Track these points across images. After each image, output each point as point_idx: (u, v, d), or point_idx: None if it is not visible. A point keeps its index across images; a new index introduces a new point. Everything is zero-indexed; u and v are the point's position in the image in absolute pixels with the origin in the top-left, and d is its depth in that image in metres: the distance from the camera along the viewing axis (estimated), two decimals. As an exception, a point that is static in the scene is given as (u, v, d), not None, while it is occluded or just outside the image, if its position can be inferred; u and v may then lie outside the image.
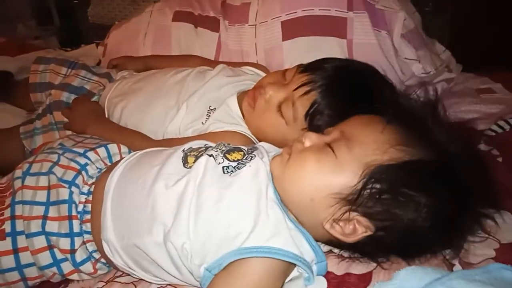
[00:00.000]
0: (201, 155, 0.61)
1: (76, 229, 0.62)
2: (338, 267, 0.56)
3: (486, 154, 0.74)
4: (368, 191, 0.50)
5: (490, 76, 1.03)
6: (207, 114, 0.84)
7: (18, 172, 0.67)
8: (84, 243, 0.63)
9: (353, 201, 0.50)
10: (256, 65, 1.00)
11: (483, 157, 0.57)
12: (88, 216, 0.63)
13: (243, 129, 0.82)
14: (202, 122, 0.83)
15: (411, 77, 0.94)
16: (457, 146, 0.53)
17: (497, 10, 1.15)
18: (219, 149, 0.63)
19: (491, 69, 1.07)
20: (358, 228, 0.52)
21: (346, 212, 0.51)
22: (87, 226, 0.63)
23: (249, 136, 0.81)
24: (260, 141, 0.81)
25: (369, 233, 0.52)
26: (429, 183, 0.50)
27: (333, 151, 0.53)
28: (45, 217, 0.62)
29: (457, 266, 0.53)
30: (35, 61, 1.05)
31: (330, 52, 0.95)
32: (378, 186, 0.50)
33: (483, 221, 0.56)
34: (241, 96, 0.86)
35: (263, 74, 0.97)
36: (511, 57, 1.06)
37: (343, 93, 0.71)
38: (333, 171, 0.52)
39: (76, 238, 0.61)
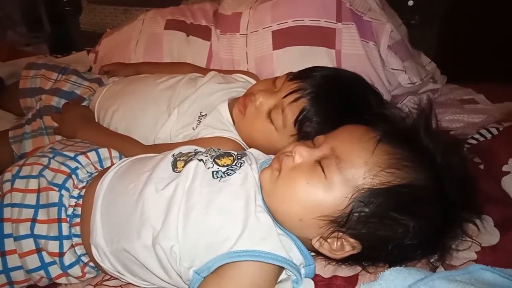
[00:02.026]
0: (191, 159, 0.62)
1: (65, 232, 0.62)
2: (325, 270, 0.58)
3: (468, 162, 0.76)
4: (357, 214, 0.51)
5: (473, 87, 1.06)
6: (198, 120, 0.85)
7: (7, 175, 0.67)
8: (72, 246, 0.63)
9: (342, 224, 0.51)
10: (247, 73, 1.02)
11: (468, 167, 0.58)
12: (78, 220, 0.63)
13: (234, 135, 0.83)
14: (193, 128, 0.84)
15: (397, 87, 0.96)
16: (446, 159, 0.54)
17: (482, 23, 1.19)
18: (209, 154, 0.64)
19: (475, 79, 1.10)
20: (346, 245, 0.53)
21: (334, 231, 0.52)
22: (76, 230, 0.63)
23: (239, 142, 0.82)
24: (250, 147, 0.83)
25: (356, 251, 0.53)
26: (419, 207, 0.52)
27: (323, 171, 0.53)
28: (34, 220, 0.62)
29: (440, 268, 0.54)
30: (26, 67, 1.05)
31: (319, 62, 0.97)
32: (367, 210, 0.51)
33: (466, 227, 0.57)
34: (232, 103, 0.87)
35: (254, 82, 0.98)
36: (495, 68, 1.09)
37: (332, 100, 0.73)
38: (323, 194, 0.53)
39: (65, 241, 0.62)
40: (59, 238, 0.61)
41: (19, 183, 0.65)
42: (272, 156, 0.73)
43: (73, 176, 0.67)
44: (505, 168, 0.69)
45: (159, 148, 0.82)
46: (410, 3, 1.15)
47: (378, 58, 0.94)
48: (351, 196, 0.51)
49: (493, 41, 1.19)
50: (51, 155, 0.69)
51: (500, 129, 0.77)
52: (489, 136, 0.76)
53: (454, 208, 0.54)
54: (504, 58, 1.14)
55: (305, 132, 0.74)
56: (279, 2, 1.03)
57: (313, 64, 0.97)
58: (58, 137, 0.90)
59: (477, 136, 0.78)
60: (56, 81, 1.02)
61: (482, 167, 0.74)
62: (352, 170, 0.52)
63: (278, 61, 1.01)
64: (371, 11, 0.95)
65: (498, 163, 0.71)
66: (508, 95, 0.98)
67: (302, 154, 0.56)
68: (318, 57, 0.98)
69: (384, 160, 0.52)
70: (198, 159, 0.61)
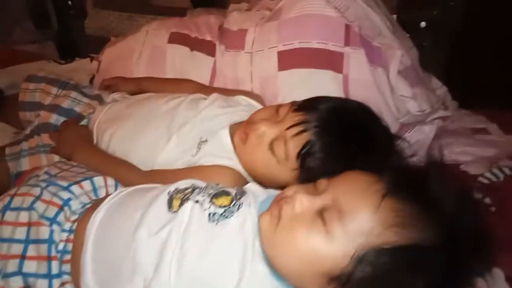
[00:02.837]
0: (187, 199, 0.59)
1: (54, 270, 0.60)
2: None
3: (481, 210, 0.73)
4: (360, 274, 0.48)
5: (486, 114, 1.03)
6: (197, 146, 0.82)
7: (-2, 205, 0.65)
8: (62, 284, 0.60)
9: (343, 283, 0.49)
10: (250, 94, 0.99)
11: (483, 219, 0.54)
12: (69, 256, 0.61)
13: (234, 163, 0.80)
14: (192, 155, 0.81)
15: (406, 114, 0.93)
16: (458, 214, 0.50)
17: (496, 46, 1.15)
18: (206, 193, 0.61)
19: (489, 104, 1.06)
20: None
21: None
22: (67, 267, 0.61)
23: (239, 171, 0.80)
24: (250, 176, 0.80)
25: None
26: (426, 268, 0.49)
27: (324, 225, 0.50)
28: (23, 257, 0.60)
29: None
30: (26, 79, 1.03)
31: (326, 86, 0.95)
32: (370, 270, 0.48)
33: (475, 281, 0.54)
34: (234, 128, 0.84)
35: (257, 105, 0.95)
36: (509, 95, 1.05)
37: (337, 136, 0.70)
38: (323, 250, 0.50)
39: (54, 280, 0.59)
40: (49, 276, 0.59)
41: (10, 216, 0.63)
42: (273, 192, 0.71)
43: (65, 208, 0.65)
44: (517, 213, 0.67)
45: (156, 175, 0.79)
46: (423, 24, 1.11)
47: (386, 84, 0.90)
48: (353, 254, 0.48)
49: (509, 64, 1.14)
50: (44, 185, 0.67)
51: (514, 170, 0.74)
52: (501, 176, 0.73)
53: (464, 266, 0.51)
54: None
55: (307, 167, 0.71)
56: (285, 22, 0.99)
57: (319, 88, 0.95)
58: (56, 157, 0.89)
59: (489, 175, 0.75)
60: (55, 96, 1.00)
61: (493, 209, 0.71)
62: (354, 227, 0.49)
63: (283, 83, 0.98)
64: (381, 35, 0.92)
65: (511, 206, 0.68)
66: (523, 125, 0.95)
67: (302, 203, 0.53)
68: (325, 80, 0.95)
69: (389, 218, 0.49)
70: (194, 200, 0.59)
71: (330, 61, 0.94)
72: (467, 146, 0.90)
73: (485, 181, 0.74)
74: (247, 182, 0.81)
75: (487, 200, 0.73)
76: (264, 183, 0.81)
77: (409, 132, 0.94)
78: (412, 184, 0.53)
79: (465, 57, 1.15)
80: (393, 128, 0.91)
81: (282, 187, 0.77)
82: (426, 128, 0.94)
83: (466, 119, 1.03)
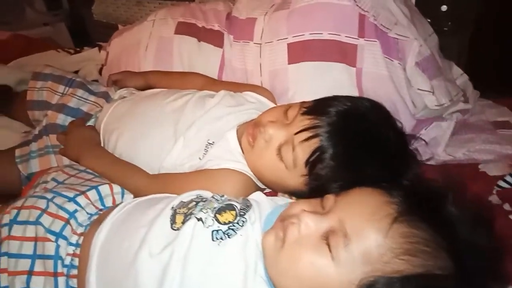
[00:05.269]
0: (190, 217, 0.58)
1: (61, 286, 0.60)
2: None
3: (496, 208, 0.69)
4: None
5: (509, 106, 0.96)
6: (204, 149, 0.80)
7: (6, 218, 0.65)
8: (70, 299, 0.61)
9: None
10: (259, 90, 0.96)
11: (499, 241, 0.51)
12: (75, 272, 0.61)
13: (242, 166, 0.78)
14: (199, 158, 0.80)
15: (423, 109, 0.88)
16: (472, 240, 0.47)
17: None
18: (210, 208, 0.59)
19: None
20: None
21: None
22: (74, 282, 0.61)
23: (247, 174, 0.78)
24: (258, 179, 0.78)
25: None
26: None
27: (330, 250, 0.48)
28: (30, 272, 0.60)
29: None
30: (33, 77, 1.03)
31: (338, 79, 0.90)
32: None
33: None
34: (241, 129, 0.82)
35: (266, 102, 0.92)
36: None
37: (347, 144, 0.66)
38: (328, 277, 0.48)
39: (61, 296, 0.60)
40: (55, 293, 0.60)
41: (17, 230, 0.63)
42: (280, 201, 0.69)
43: (72, 221, 0.64)
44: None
45: (163, 179, 0.78)
46: (444, 8, 1.03)
47: (403, 78, 0.85)
48: (359, 282, 0.46)
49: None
50: (49, 196, 0.66)
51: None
52: (523, 181, 0.69)
53: None
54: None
55: (317, 174, 0.68)
56: (295, 11, 0.94)
57: (331, 82, 0.91)
58: (65, 159, 0.88)
59: (509, 178, 0.71)
60: (62, 95, 0.99)
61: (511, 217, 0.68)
62: (361, 254, 0.47)
63: (293, 76, 0.94)
64: (397, 25, 0.86)
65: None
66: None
67: (308, 225, 0.51)
68: (337, 74, 0.90)
69: (398, 245, 0.47)
70: (197, 218, 0.57)
71: (343, 53, 0.89)
72: (488, 143, 0.85)
73: (505, 185, 0.70)
74: (256, 185, 0.79)
75: (507, 207, 0.69)
76: (272, 187, 0.79)
77: (425, 129, 0.89)
78: (425, 204, 0.50)
79: (488, 42, 1.07)
80: (409, 125, 0.87)
81: (289, 191, 0.75)
82: (443, 124, 0.89)
83: (487, 111, 0.97)
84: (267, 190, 0.81)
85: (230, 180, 0.76)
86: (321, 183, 0.68)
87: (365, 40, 0.87)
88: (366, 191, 0.53)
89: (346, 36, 0.88)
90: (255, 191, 0.79)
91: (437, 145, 0.86)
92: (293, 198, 0.75)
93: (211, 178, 0.76)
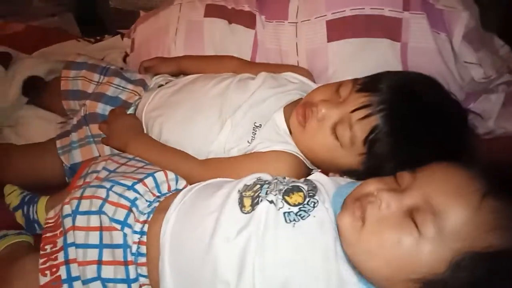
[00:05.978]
0: (259, 199, 0.57)
1: (132, 275, 0.60)
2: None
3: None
4: (456, 281, 0.45)
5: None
6: (252, 132, 0.79)
7: (67, 209, 0.64)
8: (140, 287, 0.61)
9: None
10: (298, 70, 0.94)
11: None
12: (143, 259, 0.61)
13: (292, 147, 0.77)
14: (248, 141, 0.79)
15: (470, 82, 0.86)
16: None
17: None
18: (277, 190, 0.59)
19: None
20: None
21: None
22: (143, 270, 0.60)
23: (298, 155, 0.77)
24: (309, 160, 0.77)
25: None
26: None
27: (417, 227, 0.47)
28: (100, 262, 0.60)
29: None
30: (65, 66, 1.00)
31: (381, 56, 0.88)
32: (467, 277, 0.45)
33: None
34: (288, 110, 0.81)
35: (308, 82, 0.91)
36: None
37: (407, 120, 0.65)
38: (416, 255, 0.47)
39: (133, 285, 0.60)
40: (127, 281, 0.59)
41: (80, 220, 0.62)
42: (339, 180, 0.68)
43: (134, 209, 0.64)
44: None
45: (214, 164, 0.78)
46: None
47: (450, 51, 0.83)
48: (452, 259, 0.46)
49: None
50: (108, 186, 0.65)
51: None
52: None
53: None
54: None
55: (375, 152, 0.67)
56: (334, -14, 0.91)
57: (374, 59, 0.89)
58: (107, 148, 0.87)
59: None
60: (98, 83, 0.97)
61: None
62: (452, 230, 0.46)
63: (333, 55, 0.92)
64: (444, -4, 0.83)
65: None
66: None
67: (390, 204, 0.50)
68: (380, 50, 0.88)
69: (489, 220, 0.46)
70: (268, 200, 0.56)
71: (387, 28, 0.87)
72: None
73: None
74: (306, 167, 0.78)
75: None
76: (323, 167, 0.78)
77: (474, 103, 0.87)
78: (508, 182, 0.49)
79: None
80: (459, 99, 0.85)
81: (343, 170, 0.74)
82: (492, 96, 0.87)
83: (533, 81, 0.94)
84: (315, 171, 0.80)
85: (283, 162, 0.75)
86: (378, 161, 0.67)
87: (410, 13, 0.84)
88: (447, 166, 0.52)
89: (389, 10, 0.86)
90: (305, 172, 0.79)
91: (488, 118, 0.85)
92: (345, 177, 0.74)
93: (264, 161, 0.75)
